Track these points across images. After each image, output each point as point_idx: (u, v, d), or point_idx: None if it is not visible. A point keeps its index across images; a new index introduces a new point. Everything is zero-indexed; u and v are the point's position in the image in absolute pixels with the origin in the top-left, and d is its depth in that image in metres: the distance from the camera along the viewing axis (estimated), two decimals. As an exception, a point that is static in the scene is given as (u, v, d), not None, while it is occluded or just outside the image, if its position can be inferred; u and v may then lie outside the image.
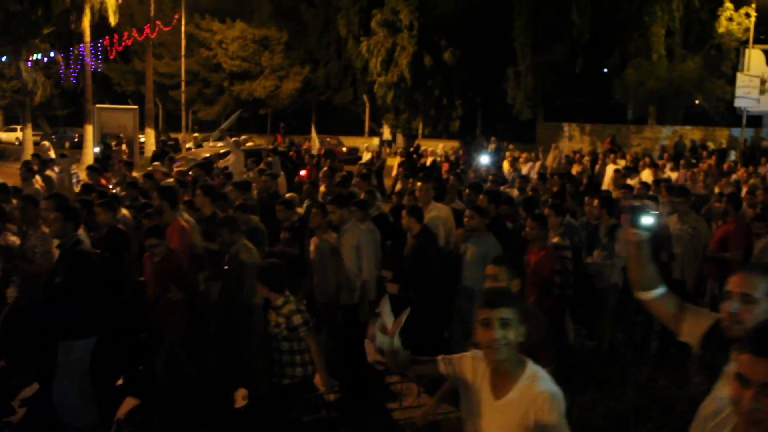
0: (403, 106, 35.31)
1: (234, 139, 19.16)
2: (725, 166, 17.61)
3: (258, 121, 48.94)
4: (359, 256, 7.04)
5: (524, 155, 19.79)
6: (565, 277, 6.99)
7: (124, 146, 22.68)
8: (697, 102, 30.73)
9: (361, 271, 7.03)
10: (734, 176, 14.82)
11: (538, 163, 18.76)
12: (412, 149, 26.29)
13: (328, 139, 36.61)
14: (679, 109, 31.87)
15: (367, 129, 44.17)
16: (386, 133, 40.30)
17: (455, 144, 34.11)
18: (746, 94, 27.74)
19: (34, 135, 31.77)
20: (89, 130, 28.54)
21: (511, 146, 24.23)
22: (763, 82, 27.93)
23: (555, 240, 7.04)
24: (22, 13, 27.16)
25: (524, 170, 17.05)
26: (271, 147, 22.08)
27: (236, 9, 45.24)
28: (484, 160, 18.66)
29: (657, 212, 2.59)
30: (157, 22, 31.91)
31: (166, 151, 20.82)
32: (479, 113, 37.41)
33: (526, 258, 6.63)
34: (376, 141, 41.93)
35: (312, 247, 7.41)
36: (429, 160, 20.22)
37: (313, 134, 28.57)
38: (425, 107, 35.26)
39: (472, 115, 37.27)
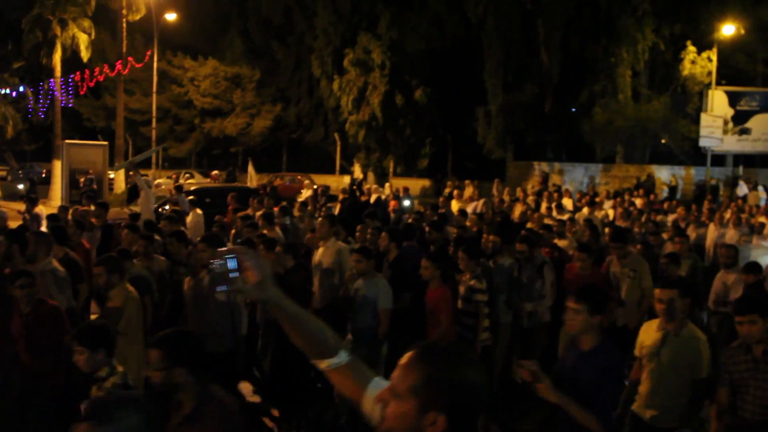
0: (375, 144, 35.50)
1: (144, 177, 18.24)
2: (665, 205, 17.92)
3: (228, 159, 48.82)
4: (231, 302, 6.38)
5: (468, 193, 19.71)
6: (476, 319, 6.81)
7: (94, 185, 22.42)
8: (663, 141, 31.38)
9: (238, 314, 6.49)
10: (672, 216, 14.88)
11: (480, 201, 18.54)
12: (354, 186, 25.93)
13: (298, 177, 36.57)
14: (646, 148, 32.52)
15: (338, 167, 44.24)
16: (357, 171, 40.41)
17: (426, 182, 34.37)
18: (710, 134, 28.50)
19: (0, 170, 31.31)
20: (57, 166, 28.16)
21: (467, 182, 24.13)
22: (726, 122, 28.71)
23: (471, 282, 6.89)
24: (-8, 47, 27.03)
25: (469, 208, 16.71)
26: (175, 184, 21.11)
27: (208, 46, 45.35)
28: (407, 201, 18.68)
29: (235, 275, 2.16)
30: (129, 59, 31.86)
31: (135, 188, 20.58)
32: (449, 152, 37.77)
33: (425, 297, 6.79)
34: (347, 179, 42.03)
35: (186, 287, 6.79)
36: (373, 197, 19.97)
37: (250, 169, 28.23)
38: (396, 146, 35.49)
39: (442, 154, 37.60)
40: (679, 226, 11.27)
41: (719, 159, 30.33)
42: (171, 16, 35.80)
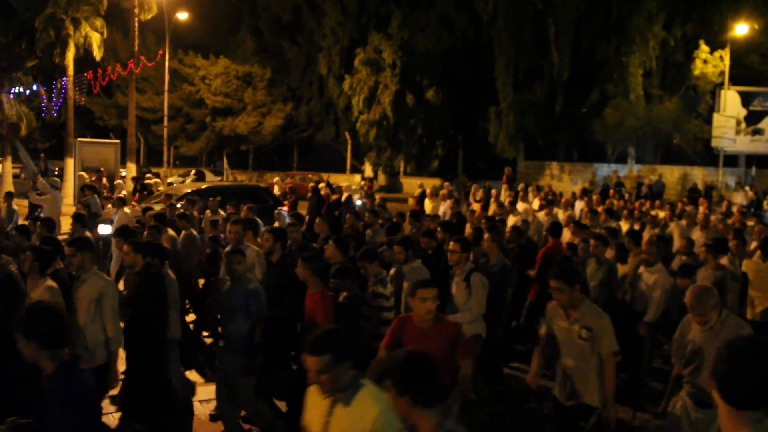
0: (385, 144, 35.53)
1: (53, 178, 17.96)
2: (637, 204, 17.64)
3: (239, 158, 49.01)
4: (99, 310, 5.92)
5: (443, 191, 19.42)
6: (375, 323, 6.40)
7: (104, 180, 22.55)
8: (675, 141, 31.22)
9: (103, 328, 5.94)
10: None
11: (450, 201, 17.86)
12: (322, 184, 25.10)
13: (309, 176, 36.65)
14: (658, 148, 32.38)
15: (348, 166, 44.31)
16: (368, 170, 40.47)
17: (437, 182, 34.34)
18: (723, 134, 28.34)
19: (13, 167, 31.53)
20: (70, 164, 28.37)
21: (446, 184, 23.84)
22: (738, 122, 28.54)
23: (373, 287, 6.54)
24: (6, 46, 27.17)
25: (441, 208, 16.46)
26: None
27: (220, 45, 45.50)
28: (359, 201, 18.57)
29: None
30: (141, 57, 32.01)
31: (145, 187, 20.66)
32: (460, 152, 37.74)
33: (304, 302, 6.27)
34: (357, 177, 42.10)
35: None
36: (344, 196, 19.98)
37: (225, 166, 28.21)
38: (407, 145, 35.50)
39: (453, 154, 37.57)
40: (613, 229, 10.73)
41: (732, 159, 30.14)
42: (183, 15, 35.95)
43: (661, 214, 14.64)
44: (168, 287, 6.57)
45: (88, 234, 9.04)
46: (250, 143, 46.15)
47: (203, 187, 18.37)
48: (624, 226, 12.24)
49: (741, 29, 27.91)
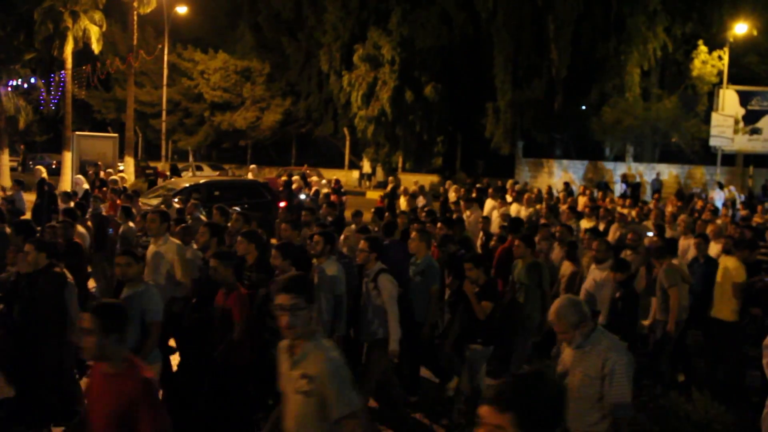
0: (384, 140, 35.50)
1: None
2: (607, 201, 17.60)
3: (238, 153, 48.96)
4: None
5: (414, 188, 19.29)
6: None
7: (103, 174, 22.49)
8: (673, 140, 31.24)
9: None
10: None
11: (420, 198, 18.05)
12: (295, 177, 24.79)
13: (307, 171, 36.63)
14: (656, 147, 32.41)
15: (347, 162, 44.31)
16: (366, 166, 40.45)
17: (435, 178, 34.35)
18: (721, 134, 28.36)
19: (11, 161, 31.51)
20: (68, 157, 28.34)
21: (414, 181, 23.51)
22: (736, 122, 28.55)
23: None
24: (4, 38, 27.10)
25: (414, 206, 16.31)
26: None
27: (219, 40, 45.45)
28: (302, 195, 18.69)
29: None
30: (140, 51, 31.98)
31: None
32: (458, 148, 37.72)
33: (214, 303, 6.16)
34: (355, 174, 42.10)
35: None
36: (313, 190, 20.11)
37: (191, 160, 28.18)
38: (406, 142, 35.48)
39: (452, 151, 37.55)
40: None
41: (729, 159, 30.16)
42: (182, 9, 35.96)
43: (633, 213, 14.71)
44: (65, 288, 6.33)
45: (8, 230, 8.67)
46: (249, 138, 46.12)
47: (201, 182, 18.38)
48: (586, 224, 12.13)
49: (740, 29, 27.92)
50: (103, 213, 11.84)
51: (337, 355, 3.59)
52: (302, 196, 18.75)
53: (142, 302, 5.66)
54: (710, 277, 8.32)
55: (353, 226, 10.18)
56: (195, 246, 7.92)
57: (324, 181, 24.97)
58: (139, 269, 5.99)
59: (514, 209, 14.85)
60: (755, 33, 28.14)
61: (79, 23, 28.57)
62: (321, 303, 6.60)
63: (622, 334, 7.49)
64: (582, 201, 17.63)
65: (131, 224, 10.06)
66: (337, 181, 22.12)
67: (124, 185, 18.25)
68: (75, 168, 26.54)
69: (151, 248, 7.34)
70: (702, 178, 29.85)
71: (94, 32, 28.92)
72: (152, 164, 37.27)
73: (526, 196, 16.11)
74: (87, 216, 11.27)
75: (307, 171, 31.03)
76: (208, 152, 52.14)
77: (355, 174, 42.06)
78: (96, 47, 29.22)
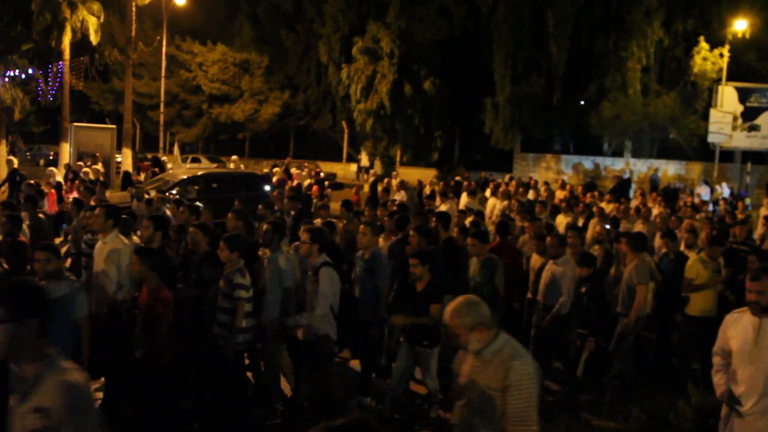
0: (382, 133, 35.47)
1: None
2: (588, 196, 17.59)
3: (236, 145, 48.90)
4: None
5: (394, 182, 19.20)
6: (233, 317, 6.10)
7: (100, 166, 22.44)
8: (671, 136, 31.24)
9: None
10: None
11: (402, 193, 17.83)
12: (277, 169, 24.48)
13: (305, 164, 36.59)
14: (654, 143, 32.41)
15: (345, 155, 44.27)
16: (364, 159, 40.44)
17: (433, 172, 34.34)
18: (719, 130, 28.33)
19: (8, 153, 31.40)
20: (65, 149, 28.23)
21: (394, 173, 23.55)
22: (735, 118, 28.54)
23: (231, 276, 6.18)
24: (2, 28, 26.96)
25: (398, 198, 16.43)
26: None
27: (217, 32, 45.31)
28: (267, 186, 18.07)
29: None
30: (138, 43, 31.85)
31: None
32: (457, 143, 37.69)
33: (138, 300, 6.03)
34: (353, 167, 42.06)
35: None
36: (295, 182, 20.24)
37: (176, 152, 28.13)
38: (404, 135, 35.46)
39: (450, 145, 37.54)
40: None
41: (728, 155, 30.16)
42: (180, 1, 35.79)
43: (609, 208, 14.75)
44: None
45: None
46: (247, 131, 46.06)
47: (199, 174, 18.35)
48: (563, 219, 12.30)
49: (740, 25, 27.88)
50: (45, 208, 11.56)
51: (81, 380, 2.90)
52: (266, 187, 18.03)
53: (67, 299, 5.39)
54: (679, 272, 8.34)
55: (318, 220, 9.66)
56: (137, 239, 7.66)
57: (305, 173, 24.71)
58: (59, 265, 5.67)
59: (490, 203, 15.19)
60: (755, 29, 28.08)
61: (77, 14, 28.40)
62: (269, 296, 6.58)
63: (589, 330, 7.60)
64: (560, 195, 17.69)
65: (40, 215, 9.82)
66: (318, 173, 22.03)
67: (99, 178, 17.80)
68: (73, 159, 26.46)
69: (99, 245, 6.99)
70: (699, 175, 29.84)
71: (92, 23, 28.76)
72: (150, 155, 37.20)
73: (501, 189, 16.22)
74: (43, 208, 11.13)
75: (290, 162, 30.78)
76: (206, 145, 52.09)
77: (353, 167, 42.02)
78: (94, 38, 29.06)
